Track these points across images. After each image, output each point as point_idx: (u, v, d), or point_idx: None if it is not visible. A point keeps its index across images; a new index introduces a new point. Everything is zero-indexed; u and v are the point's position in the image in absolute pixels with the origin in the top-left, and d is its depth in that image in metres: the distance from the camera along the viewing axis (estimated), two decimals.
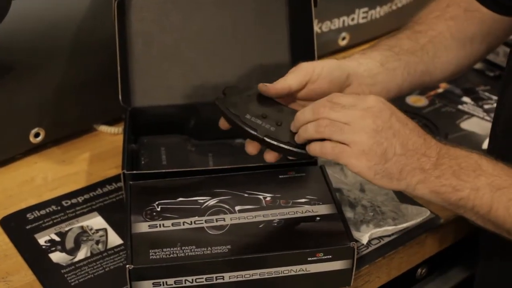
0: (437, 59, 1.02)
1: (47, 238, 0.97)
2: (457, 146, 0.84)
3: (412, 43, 1.01)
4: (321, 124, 0.82)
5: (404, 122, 0.82)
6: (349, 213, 0.98)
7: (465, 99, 1.28)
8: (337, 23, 1.41)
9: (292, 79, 0.90)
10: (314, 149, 0.84)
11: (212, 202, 0.91)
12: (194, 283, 0.83)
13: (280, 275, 0.84)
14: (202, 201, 0.91)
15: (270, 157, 0.89)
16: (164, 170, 0.96)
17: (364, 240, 0.94)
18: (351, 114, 0.81)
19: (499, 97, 0.99)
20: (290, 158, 0.89)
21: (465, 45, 1.04)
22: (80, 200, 1.04)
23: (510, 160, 0.84)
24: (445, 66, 1.04)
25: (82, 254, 0.94)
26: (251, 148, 0.89)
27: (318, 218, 0.88)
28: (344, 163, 0.81)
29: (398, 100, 1.02)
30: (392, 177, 0.80)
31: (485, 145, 1.15)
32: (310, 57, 1.07)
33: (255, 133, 0.86)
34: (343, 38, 1.44)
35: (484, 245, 1.02)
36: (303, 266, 0.84)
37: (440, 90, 1.31)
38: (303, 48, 1.08)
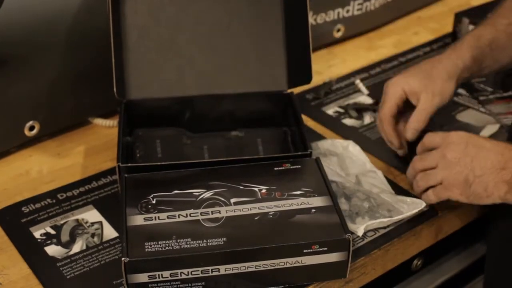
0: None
1: (43, 231, 0.97)
2: None
3: (507, 38, 1.07)
4: (418, 180, 0.96)
5: (481, 145, 0.91)
6: (344, 205, 0.98)
7: (461, 90, 1.28)
8: (332, 15, 1.41)
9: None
10: (425, 200, 0.97)
11: (207, 194, 0.91)
12: (190, 276, 0.83)
13: (276, 267, 0.84)
14: (197, 193, 0.91)
15: None
16: (159, 163, 0.96)
17: (360, 232, 0.94)
18: (435, 157, 0.94)
19: None
20: None
21: None
22: (75, 193, 1.04)
23: None
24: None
25: (77, 247, 0.94)
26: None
27: (313, 210, 0.88)
28: (446, 199, 0.94)
29: None
30: (482, 195, 0.90)
31: None
32: (305, 49, 1.07)
33: None
34: (338, 30, 1.44)
35: (492, 238, 1.03)
36: (299, 258, 0.84)
37: None
38: (298, 40, 1.08)
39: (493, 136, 1.15)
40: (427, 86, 1.02)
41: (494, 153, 0.90)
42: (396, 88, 1.03)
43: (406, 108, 1.05)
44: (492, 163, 0.89)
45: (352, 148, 1.10)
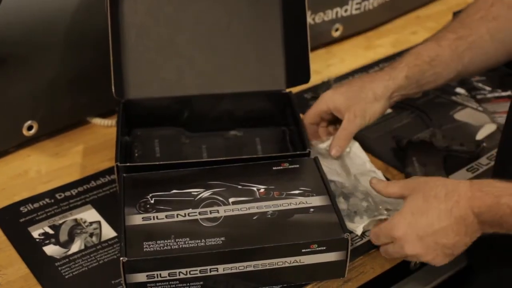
0: (471, 64, 1.06)
1: (41, 231, 0.97)
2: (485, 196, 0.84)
3: (452, 53, 1.05)
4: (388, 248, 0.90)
5: (433, 229, 0.84)
6: (342, 205, 0.98)
7: (459, 89, 1.28)
8: (330, 14, 1.41)
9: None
10: (382, 252, 0.92)
11: (206, 194, 0.91)
12: (188, 275, 0.83)
13: (274, 266, 0.84)
14: (196, 193, 0.91)
15: None
16: (157, 163, 0.96)
17: (358, 231, 0.94)
18: (397, 251, 0.88)
19: None
20: None
21: (504, 44, 1.05)
22: (74, 193, 1.04)
23: None
24: (477, 68, 1.08)
25: (76, 247, 0.94)
26: None
27: (312, 210, 0.88)
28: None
29: None
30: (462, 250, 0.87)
31: (478, 135, 1.15)
32: (303, 48, 1.07)
33: None
34: (336, 30, 1.44)
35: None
36: (297, 258, 0.84)
37: None
38: (297, 39, 1.08)
39: (490, 136, 1.15)
40: (350, 107, 1.04)
41: (450, 226, 0.85)
42: (322, 103, 1.06)
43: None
44: (456, 234, 0.85)
45: (352, 147, 1.09)
